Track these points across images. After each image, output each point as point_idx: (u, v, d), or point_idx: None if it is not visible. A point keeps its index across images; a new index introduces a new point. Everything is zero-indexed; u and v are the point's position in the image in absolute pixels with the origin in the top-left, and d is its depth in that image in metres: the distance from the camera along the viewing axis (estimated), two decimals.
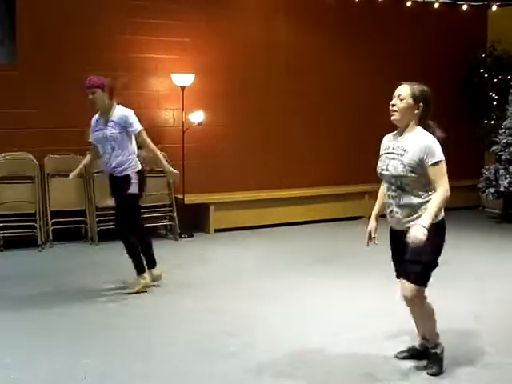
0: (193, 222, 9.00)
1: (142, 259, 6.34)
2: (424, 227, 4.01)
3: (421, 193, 4.23)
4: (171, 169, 6.31)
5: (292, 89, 9.70)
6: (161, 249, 8.13)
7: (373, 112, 10.36)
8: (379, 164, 4.42)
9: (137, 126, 6.10)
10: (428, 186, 4.21)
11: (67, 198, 8.31)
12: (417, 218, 4.17)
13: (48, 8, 8.20)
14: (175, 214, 8.72)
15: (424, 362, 4.49)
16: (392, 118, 4.47)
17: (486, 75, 10.71)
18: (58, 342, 4.95)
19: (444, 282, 5.21)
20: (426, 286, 4.26)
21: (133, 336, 5.13)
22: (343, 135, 10.18)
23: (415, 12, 10.29)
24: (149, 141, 6.17)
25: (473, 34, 11.02)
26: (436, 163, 4.17)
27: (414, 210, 4.23)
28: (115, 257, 6.99)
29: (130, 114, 6.13)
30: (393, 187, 4.31)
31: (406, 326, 4.86)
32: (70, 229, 8.26)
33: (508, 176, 9.59)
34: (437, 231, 4.20)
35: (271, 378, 4.36)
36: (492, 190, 9.78)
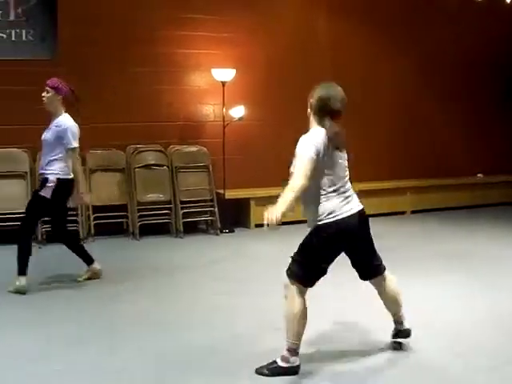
0: (234, 217, 8.99)
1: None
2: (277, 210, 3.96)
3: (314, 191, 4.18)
4: (81, 195, 6.16)
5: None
6: (202, 244, 8.20)
7: (416, 109, 10.32)
8: None
9: (70, 142, 5.97)
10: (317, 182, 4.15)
11: (109, 193, 8.35)
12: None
13: (89, 5, 8.24)
14: (216, 209, 8.71)
15: None
16: None
17: None
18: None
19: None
20: (296, 282, 4.21)
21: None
22: (382, 134, 10.12)
23: (461, 6, 10.14)
24: (76, 161, 6.04)
25: None
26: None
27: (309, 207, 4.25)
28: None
29: (70, 127, 6.02)
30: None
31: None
32: (111, 223, 8.30)
33: None
34: (313, 232, 4.23)
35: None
36: None
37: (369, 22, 9.85)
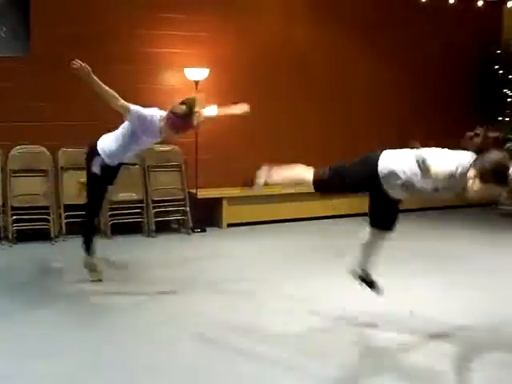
0: (206, 216, 9.00)
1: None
2: None
3: None
4: None
5: (305, 85, 9.68)
6: (173, 243, 8.21)
7: (393, 110, 10.40)
8: None
9: None
10: None
11: (81, 192, 8.30)
12: None
13: (62, 2, 8.21)
14: (188, 209, 8.72)
15: None
16: None
17: (500, 72, 10.64)
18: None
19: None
20: None
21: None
22: (355, 131, 10.15)
23: (431, 7, 10.23)
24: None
25: (488, 30, 10.96)
26: None
27: None
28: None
29: None
30: None
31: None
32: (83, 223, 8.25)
33: None
34: None
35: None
36: None
37: (343, 23, 9.90)
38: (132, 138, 6.07)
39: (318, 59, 9.80)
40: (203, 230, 8.77)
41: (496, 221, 9.78)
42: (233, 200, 8.94)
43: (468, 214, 9.99)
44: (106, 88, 5.83)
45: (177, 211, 8.79)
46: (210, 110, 8.75)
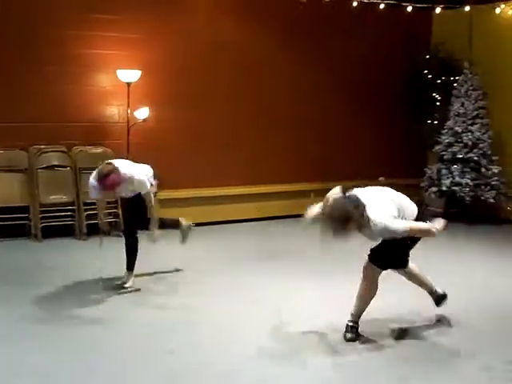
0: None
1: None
2: None
3: None
4: None
5: (238, 87, 9.75)
6: (105, 245, 8.13)
7: (317, 113, 10.53)
8: None
9: None
10: None
11: (11, 194, 8.23)
12: None
13: None
14: (119, 211, 8.67)
15: None
16: None
17: (429, 76, 10.88)
18: None
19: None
20: None
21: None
22: (288, 135, 10.26)
23: (361, 12, 10.39)
24: None
25: (418, 35, 11.21)
26: None
27: None
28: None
29: None
30: None
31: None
32: (13, 225, 8.17)
33: (450, 175, 9.80)
34: None
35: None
36: (434, 189, 9.98)
37: (273, 28, 9.98)
38: None
39: (251, 63, 9.87)
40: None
41: None
42: (163, 202, 8.88)
43: None
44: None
45: (108, 214, 8.73)
46: (142, 112, 8.79)
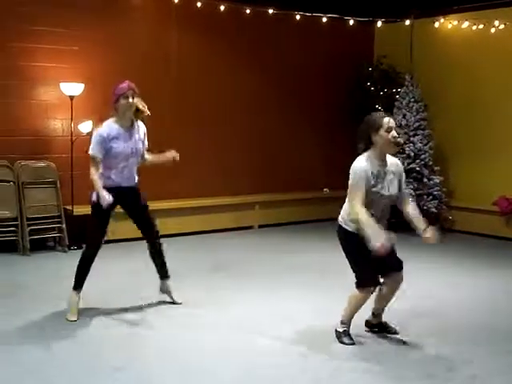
0: (83, 233, 8.84)
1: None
2: None
3: None
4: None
5: (179, 98, 9.77)
6: (48, 261, 8.05)
7: (263, 123, 10.60)
8: (378, 188, 5.01)
9: None
10: None
11: None
12: None
13: None
14: (64, 226, 8.59)
15: None
16: (397, 148, 5.05)
17: (372, 88, 11.04)
18: None
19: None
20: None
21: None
22: (231, 148, 10.34)
23: (304, 26, 10.53)
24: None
25: (360, 48, 11.40)
26: None
27: None
28: None
29: None
30: (385, 207, 5.22)
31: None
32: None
33: None
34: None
35: None
36: None
37: (215, 39, 10.08)
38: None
39: (194, 74, 9.90)
40: (80, 247, 8.60)
41: None
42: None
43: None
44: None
45: (52, 228, 8.63)
46: (85, 126, 8.71)
